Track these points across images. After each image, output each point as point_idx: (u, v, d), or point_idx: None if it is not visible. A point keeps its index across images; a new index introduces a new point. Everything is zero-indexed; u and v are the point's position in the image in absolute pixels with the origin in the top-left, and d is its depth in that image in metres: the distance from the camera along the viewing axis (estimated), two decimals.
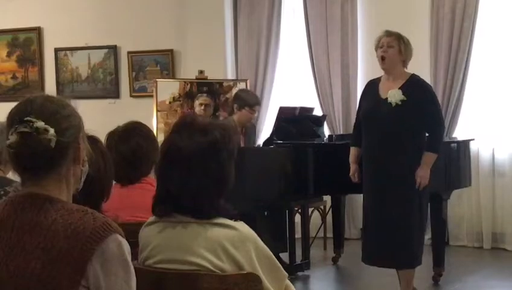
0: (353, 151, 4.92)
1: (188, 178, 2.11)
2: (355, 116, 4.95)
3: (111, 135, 3.06)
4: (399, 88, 4.61)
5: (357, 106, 5.10)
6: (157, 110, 7.16)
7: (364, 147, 4.78)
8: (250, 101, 5.89)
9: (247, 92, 6.33)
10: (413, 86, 4.65)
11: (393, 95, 4.59)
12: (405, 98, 4.56)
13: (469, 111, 6.95)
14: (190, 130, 2.16)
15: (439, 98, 5.88)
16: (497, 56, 6.87)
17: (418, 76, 4.78)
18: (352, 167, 4.90)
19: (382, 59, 4.68)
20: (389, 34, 4.73)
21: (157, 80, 7.40)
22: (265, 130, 7.44)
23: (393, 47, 4.66)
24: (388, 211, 4.61)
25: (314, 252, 6.32)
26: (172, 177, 2.14)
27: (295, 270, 5.78)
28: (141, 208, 2.66)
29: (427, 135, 4.71)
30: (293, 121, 6.29)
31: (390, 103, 4.58)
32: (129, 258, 1.69)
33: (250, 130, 6.26)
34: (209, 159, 2.13)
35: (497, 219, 6.81)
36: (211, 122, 2.22)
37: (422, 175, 4.59)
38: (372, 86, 4.82)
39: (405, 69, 4.75)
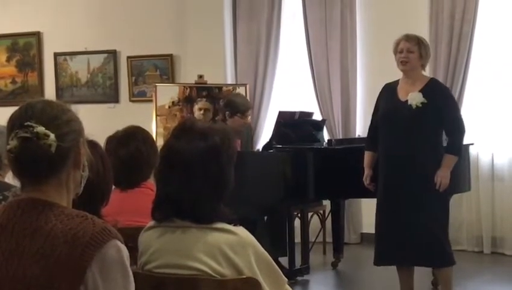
0: (368, 155, 4.83)
1: (187, 182, 2.12)
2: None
3: (110, 140, 3.06)
4: (419, 91, 4.60)
5: (373, 109, 4.92)
6: (157, 115, 7.16)
7: (382, 149, 4.72)
8: (242, 108, 5.80)
9: (238, 97, 6.21)
10: (434, 89, 4.62)
11: (413, 97, 4.56)
12: (426, 101, 4.54)
13: (468, 116, 6.91)
14: (189, 134, 2.17)
15: None
16: (496, 61, 6.87)
17: (437, 80, 4.73)
18: (366, 171, 4.81)
19: (402, 64, 4.67)
20: (408, 38, 4.66)
21: (156, 84, 7.39)
22: (264, 134, 7.44)
23: (414, 52, 4.62)
24: (408, 214, 4.53)
25: (313, 257, 6.31)
26: (172, 182, 2.14)
27: (295, 275, 5.77)
28: (140, 213, 2.65)
29: (445, 137, 4.69)
30: (293, 125, 6.28)
31: (411, 105, 4.54)
32: (128, 263, 1.69)
33: (246, 129, 6.18)
34: (208, 164, 2.13)
35: (496, 223, 6.81)
36: (211, 127, 2.23)
37: (443, 175, 4.56)
38: (389, 89, 4.75)
39: (423, 72, 4.73)
